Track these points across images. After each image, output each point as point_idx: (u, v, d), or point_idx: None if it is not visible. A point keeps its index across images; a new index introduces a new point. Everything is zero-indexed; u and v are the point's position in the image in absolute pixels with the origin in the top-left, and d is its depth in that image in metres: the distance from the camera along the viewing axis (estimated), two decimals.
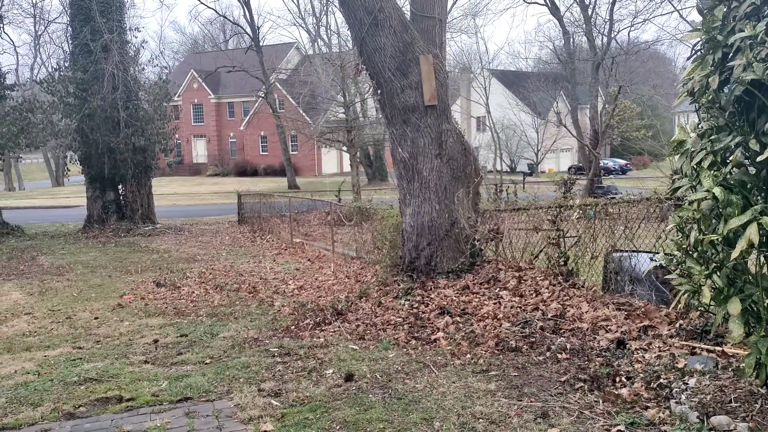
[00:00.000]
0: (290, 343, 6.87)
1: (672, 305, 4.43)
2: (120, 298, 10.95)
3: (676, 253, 4.30)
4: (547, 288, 7.40)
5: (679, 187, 4.11)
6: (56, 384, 5.92)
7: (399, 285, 8.53)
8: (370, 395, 5.06)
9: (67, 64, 23.05)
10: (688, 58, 4.32)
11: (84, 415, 5.10)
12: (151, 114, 23.14)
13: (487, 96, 42.55)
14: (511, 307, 7.09)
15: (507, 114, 51.44)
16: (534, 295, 7.34)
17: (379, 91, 8.84)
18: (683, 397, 4.59)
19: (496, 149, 40.29)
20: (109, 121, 21.74)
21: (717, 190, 3.70)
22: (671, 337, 5.84)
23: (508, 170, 52.60)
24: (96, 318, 9.48)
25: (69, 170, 26.88)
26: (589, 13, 34.87)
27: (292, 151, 51.30)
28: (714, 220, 3.88)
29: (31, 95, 25.94)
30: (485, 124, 49.03)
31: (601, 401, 4.70)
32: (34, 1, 49.28)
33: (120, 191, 23.35)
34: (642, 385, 4.91)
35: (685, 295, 4.05)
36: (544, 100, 51.98)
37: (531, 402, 4.77)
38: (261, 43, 45.66)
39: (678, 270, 4.26)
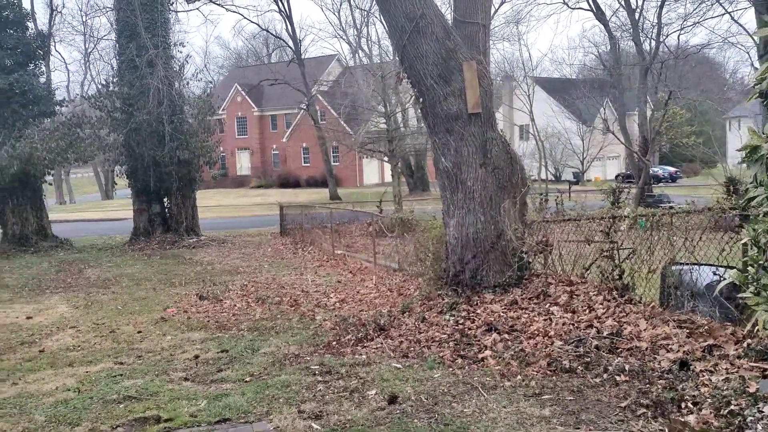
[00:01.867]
0: (331, 361, 6.66)
1: (748, 326, 4.04)
2: (163, 312, 10.93)
3: (749, 268, 3.93)
4: (601, 303, 7.01)
5: (754, 197, 3.74)
6: (96, 402, 5.83)
7: (443, 299, 8.23)
8: (416, 420, 4.78)
9: (114, 80, 23.54)
10: (760, 56, 3.96)
11: None
12: (195, 127, 23.42)
13: (531, 104, 41.89)
14: (563, 324, 6.73)
15: (551, 122, 50.60)
16: (587, 311, 6.95)
17: (420, 100, 8.60)
18: (759, 426, 4.19)
19: (541, 158, 39.54)
20: (154, 135, 22.06)
21: None
22: (739, 357, 5.41)
23: (553, 179, 51.66)
24: (139, 332, 9.45)
25: (116, 184, 27.46)
26: (636, 17, 34.00)
27: (334, 162, 51.48)
28: None
29: (80, 111, 26.60)
30: (528, 132, 48.32)
31: (666, 429, 4.33)
32: (83, 19, 50.83)
33: (165, 204, 23.66)
34: (711, 412, 4.52)
35: (765, 315, 3.68)
36: (590, 107, 50.97)
37: (590, 430, 4.43)
38: (303, 56, 46.09)
39: (753, 287, 3.88)
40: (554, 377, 5.57)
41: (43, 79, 25.33)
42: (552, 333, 6.57)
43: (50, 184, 28.10)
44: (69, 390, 6.36)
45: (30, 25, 25.90)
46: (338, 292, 12.01)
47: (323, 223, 20.18)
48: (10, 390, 6.64)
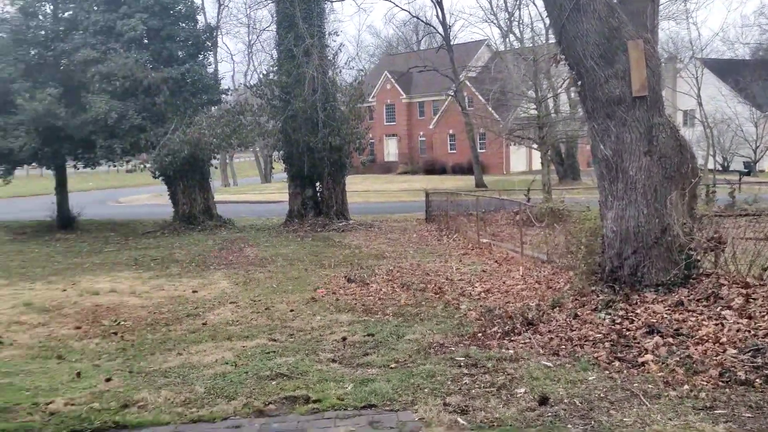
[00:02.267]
0: (477, 353, 6.48)
1: None
2: (314, 292, 11.32)
3: None
4: None
5: None
6: (250, 377, 6.09)
7: (598, 296, 7.73)
8: (569, 425, 4.48)
9: (274, 69, 24.77)
10: None
11: (273, 413, 5.14)
12: (346, 114, 24.04)
13: (699, 87, 38.52)
14: (737, 331, 6.04)
15: (719, 106, 46.28)
16: (766, 317, 6.20)
17: (579, 83, 8.09)
18: None
19: (708, 146, 36.25)
20: (308, 122, 22.94)
21: None
22: None
23: (720, 169, 47.34)
24: (291, 310, 9.85)
25: (274, 168, 29.05)
26: None
27: (480, 149, 50.79)
28: None
29: (243, 99, 28.32)
30: (694, 117, 44.56)
31: None
32: (247, 12, 54.04)
33: (317, 188, 24.58)
34: None
35: None
36: (766, 90, 45.98)
37: None
38: (452, 42, 45.76)
39: None
40: (727, 389, 5.00)
41: (210, 70, 27.25)
42: (724, 340, 5.92)
43: (215, 168, 30.24)
44: (227, 363, 6.74)
45: (200, 18, 27.96)
46: (483, 281, 11.78)
47: (468, 211, 19.94)
48: (175, 359, 7.17)
